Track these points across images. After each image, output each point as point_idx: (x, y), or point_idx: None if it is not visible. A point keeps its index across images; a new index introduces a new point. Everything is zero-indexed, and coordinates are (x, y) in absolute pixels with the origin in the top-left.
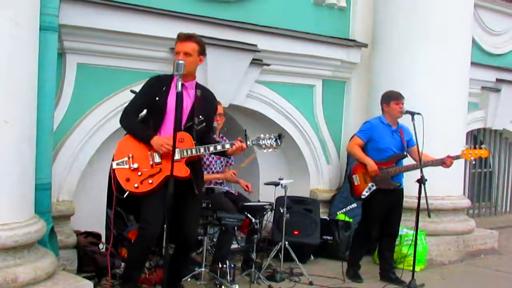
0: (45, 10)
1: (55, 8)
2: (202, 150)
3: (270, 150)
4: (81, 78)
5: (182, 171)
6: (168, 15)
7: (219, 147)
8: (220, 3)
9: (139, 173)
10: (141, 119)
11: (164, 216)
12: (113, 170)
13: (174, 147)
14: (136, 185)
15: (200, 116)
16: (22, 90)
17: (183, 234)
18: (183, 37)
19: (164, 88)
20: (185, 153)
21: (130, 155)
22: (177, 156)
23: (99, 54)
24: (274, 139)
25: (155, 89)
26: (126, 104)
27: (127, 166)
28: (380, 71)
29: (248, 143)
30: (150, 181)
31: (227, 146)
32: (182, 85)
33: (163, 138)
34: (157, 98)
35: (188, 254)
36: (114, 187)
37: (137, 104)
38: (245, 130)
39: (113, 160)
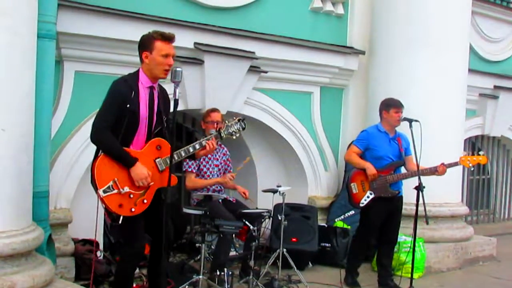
0: (42, 17)
1: (53, 15)
2: (183, 154)
3: (238, 135)
4: (79, 86)
5: (172, 179)
6: (166, 23)
7: (197, 146)
8: (218, 10)
9: (131, 195)
10: None
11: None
12: (101, 199)
13: (171, 158)
14: (132, 209)
15: (164, 117)
16: (19, 98)
17: (161, 233)
18: (172, 38)
19: (133, 95)
20: (168, 161)
21: (115, 179)
22: (162, 167)
23: (97, 62)
24: (238, 123)
25: (125, 96)
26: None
27: (115, 191)
28: (377, 78)
29: (222, 135)
30: (145, 201)
31: (198, 145)
32: (153, 87)
33: (143, 167)
34: (128, 106)
35: (169, 249)
36: (106, 214)
37: (111, 118)
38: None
39: (96, 188)
